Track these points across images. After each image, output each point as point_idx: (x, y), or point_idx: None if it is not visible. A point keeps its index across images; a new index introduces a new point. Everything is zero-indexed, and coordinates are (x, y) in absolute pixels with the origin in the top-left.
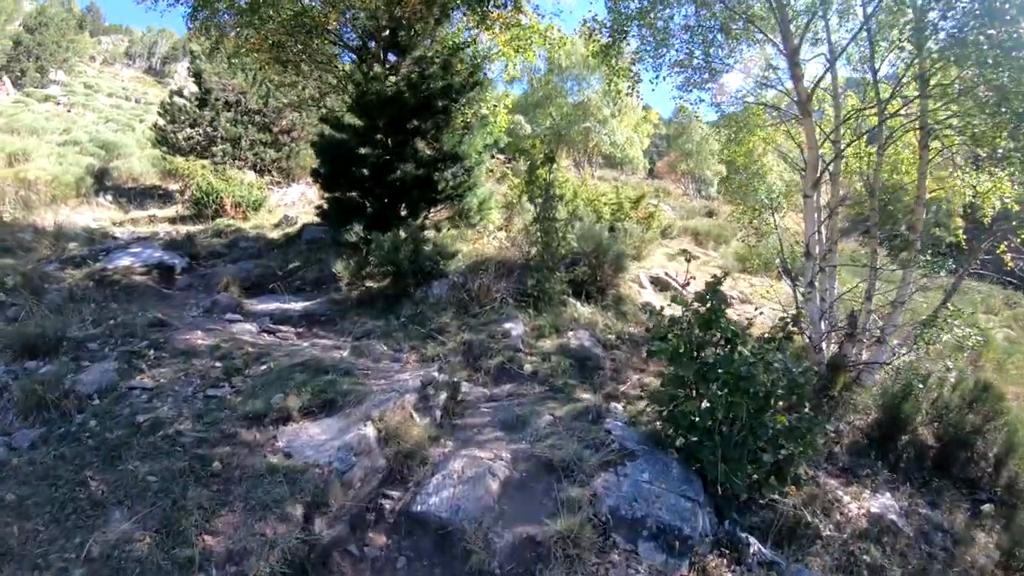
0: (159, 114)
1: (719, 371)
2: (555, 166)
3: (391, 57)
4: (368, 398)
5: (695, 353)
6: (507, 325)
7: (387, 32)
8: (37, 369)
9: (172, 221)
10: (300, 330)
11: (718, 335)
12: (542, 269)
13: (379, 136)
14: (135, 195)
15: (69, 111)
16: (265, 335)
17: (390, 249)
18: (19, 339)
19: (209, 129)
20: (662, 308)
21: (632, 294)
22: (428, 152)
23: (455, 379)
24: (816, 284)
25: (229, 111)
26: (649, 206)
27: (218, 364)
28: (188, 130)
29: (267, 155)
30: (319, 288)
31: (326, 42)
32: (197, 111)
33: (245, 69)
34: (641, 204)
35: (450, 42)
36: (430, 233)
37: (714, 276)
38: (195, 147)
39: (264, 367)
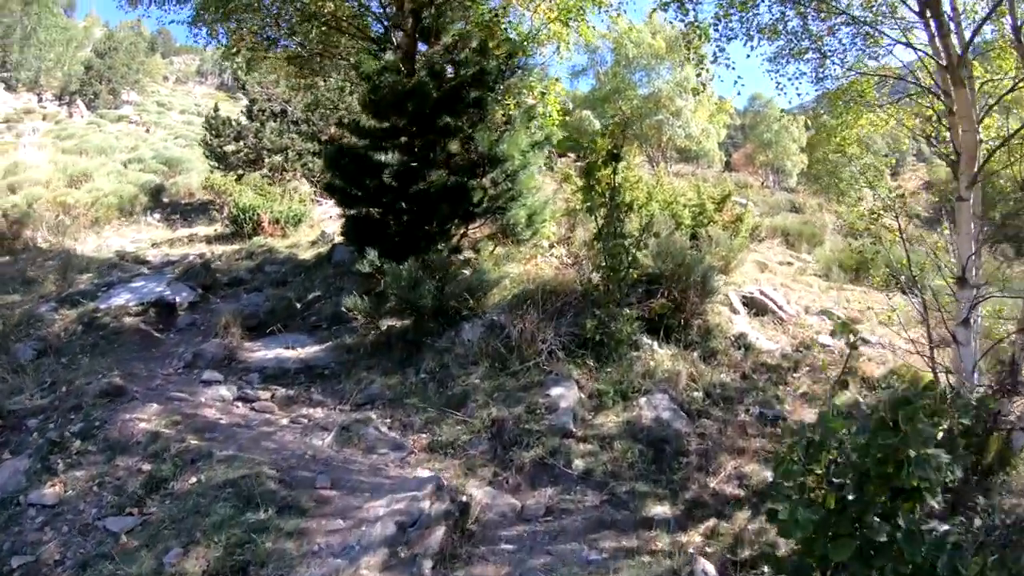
0: (204, 128)
1: (893, 553)
2: (622, 165)
3: (422, 48)
4: (299, 569)
5: (856, 521)
6: (555, 392)
7: (410, 18)
8: None
9: (210, 240)
10: (292, 392)
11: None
12: (607, 303)
13: (403, 139)
14: (189, 211)
15: (148, 130)
16: (239, 405)
17: (407, 285)
18: None
19: (255, 141)
20: (794, 443)
21: (723, 323)
22: (462, 155)
23: (465, 497)
24: (972, 322)
25: (275, 121)
26: (735, 206)
27: (145, 468)
28: (234, 143)
29: (315, 165)
30: (335, 326)
31: (338, 35)
32: (242, 123)
33: (287, 78)
34: (726, 204)
35: (483, 18)
36: (469, 254)
37: (905, 394)
38: (243, 160)
39: (194, 480)
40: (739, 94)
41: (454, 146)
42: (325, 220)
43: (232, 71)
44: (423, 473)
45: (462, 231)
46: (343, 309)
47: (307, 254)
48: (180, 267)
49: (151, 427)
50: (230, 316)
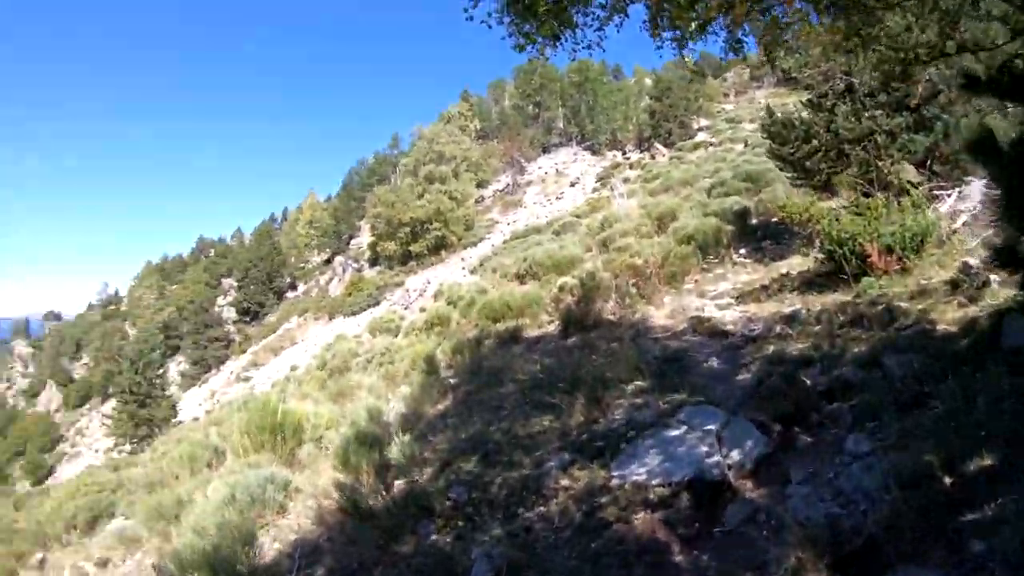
0: (764, 137)
1: None
2: None
3: None
4: None
5: None
6: None
7: None
8: None
9: (803, 285)
10: None
11: None
12: None
13: None
14: (779, 233)
15: (746, 143)
16: None
17: None
18: None
19: (828, 136)
20: None
21: None
22: None
23: None
24: None
25: (844, 103)
26: None
27: None
28: (805, 145)
29: (915, 144)
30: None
31: None
32: (804, 119)
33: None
34: None
35: None
36: None
37: None
38: (823, 162)
39: None
40: None
41: None
42: (961, 234)
43: (769, 64)
44: None
45: None
46: None
47: (948, 316)
48: (757, 350)
49: None
50: (807, 547)
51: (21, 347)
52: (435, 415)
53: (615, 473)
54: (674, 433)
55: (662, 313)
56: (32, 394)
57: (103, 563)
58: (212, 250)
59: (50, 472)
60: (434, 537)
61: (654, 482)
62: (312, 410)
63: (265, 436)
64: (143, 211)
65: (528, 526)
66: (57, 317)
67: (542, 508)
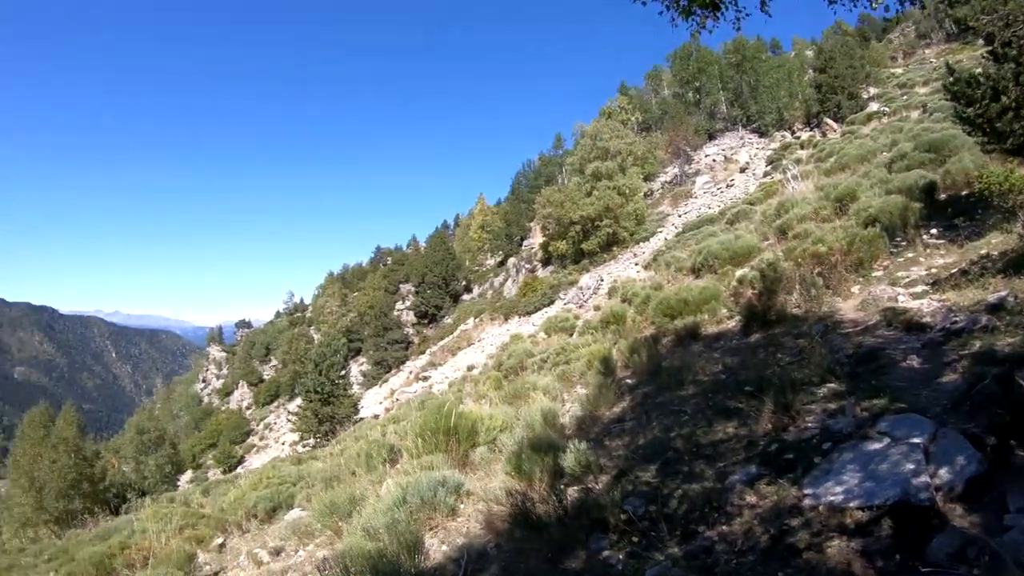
0: (946, 98)
1: None
2: None
3: None
4: None
5: None
6: None
7: None
8: None
9: (1007, 270)
10: None
11: None
12: None
13: None
14: (973, 207)
15: (924, 110)
16: None
17: None
18: None
19: (1019, 90)
20: None
21: None
22: None
23: None
24: None
25: None
26: None
27: None
28: (993, 105)
29: None
30: None
31: None
32: (989, 74)
33: None
34: None
35: None
36: None
37: None
38: (1014, 123)
39: None
40: None
41: None
42: None
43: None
44: None
45: None
46: None
47: None
48: (963, 357)
49: None
50: None
51: (216, 352)
52: (611, 418)
53: (807, 491)
54: (875, 446)
55: (851, 304)
56: (225, 393)
57: (276, 552)
58: (389, 258)
59: (240, 461)
60: (606, 553)
61: (852, 504)
62: (487, 412)
63: (439, 438)
64: (324, 227)
65: (708, 547)
66: (248, 325)
67: (724, 527)
